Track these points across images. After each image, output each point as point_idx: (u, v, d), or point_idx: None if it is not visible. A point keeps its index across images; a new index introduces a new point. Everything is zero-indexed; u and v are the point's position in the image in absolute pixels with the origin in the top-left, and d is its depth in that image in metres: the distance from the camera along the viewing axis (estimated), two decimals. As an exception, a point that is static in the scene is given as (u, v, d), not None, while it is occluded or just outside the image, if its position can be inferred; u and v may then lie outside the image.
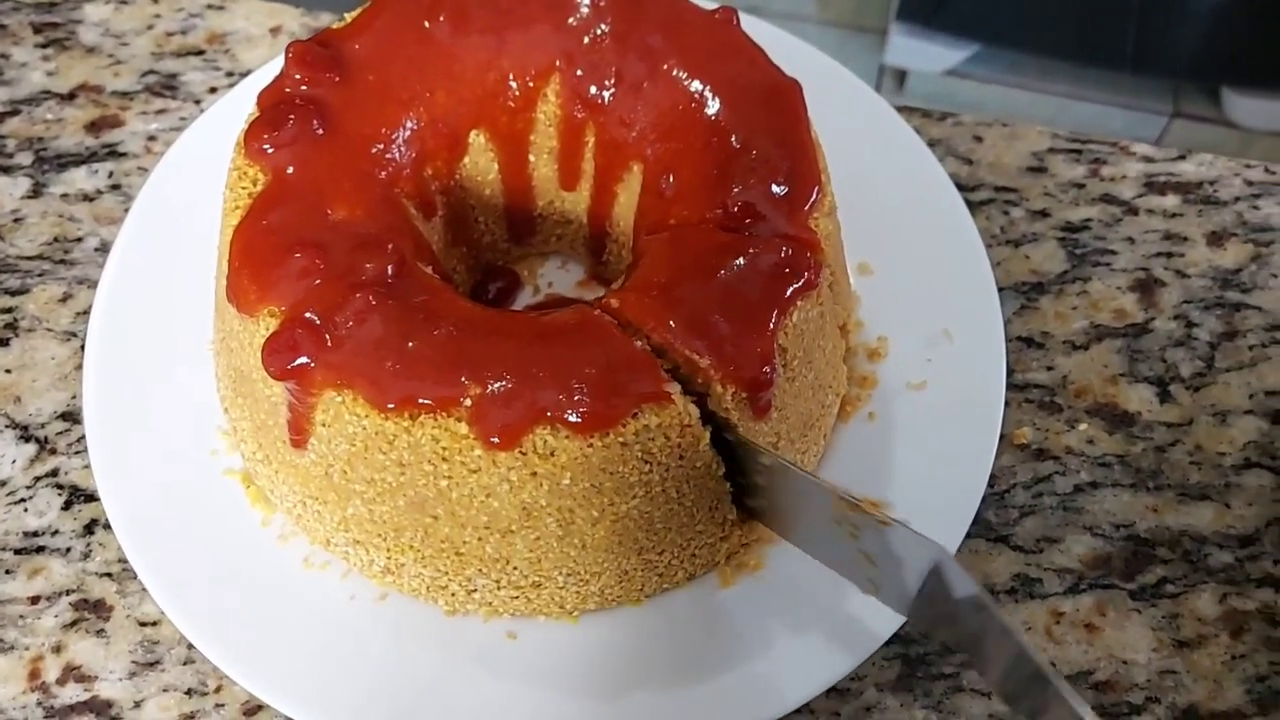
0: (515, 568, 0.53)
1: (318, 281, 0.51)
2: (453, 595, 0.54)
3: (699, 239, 0.54)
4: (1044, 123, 0.76)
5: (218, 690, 0.56)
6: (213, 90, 0.77)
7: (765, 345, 0.51)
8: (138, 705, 0.56)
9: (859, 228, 0.63)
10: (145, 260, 0.63)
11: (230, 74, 0.78)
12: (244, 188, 0.54)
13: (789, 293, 0.52)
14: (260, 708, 0.56)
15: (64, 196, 0.73)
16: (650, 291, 0.52)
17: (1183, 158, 0.75)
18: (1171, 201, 0.74)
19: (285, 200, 0.53)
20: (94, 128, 0.76)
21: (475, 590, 0.54)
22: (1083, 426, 0.65)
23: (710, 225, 0.55)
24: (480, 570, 0.53)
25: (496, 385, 0.48)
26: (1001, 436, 0.59)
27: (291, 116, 0.55)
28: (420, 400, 0.48)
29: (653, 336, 0.51)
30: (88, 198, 0.73)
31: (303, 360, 0.49)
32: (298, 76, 0.57)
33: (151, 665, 0.57)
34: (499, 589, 0.54)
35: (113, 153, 0.75)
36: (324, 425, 0.50)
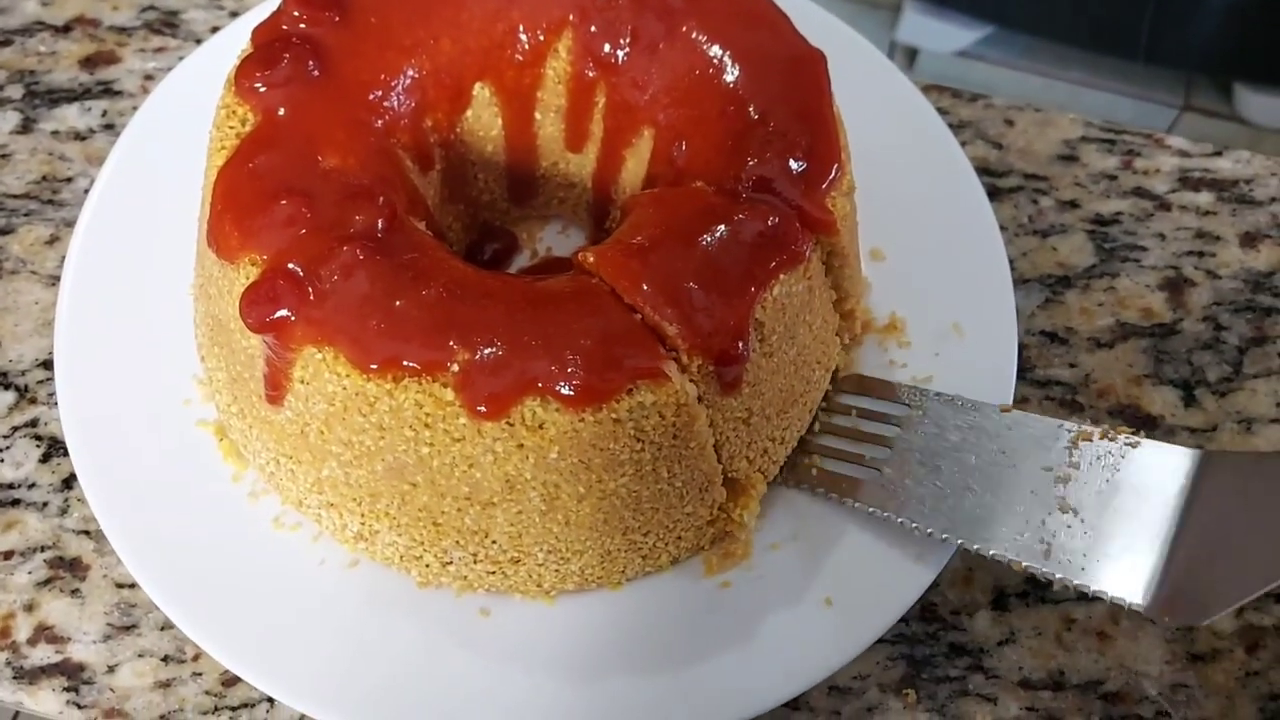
0: (494, 541, 0.50)
1: (303, 231, 0.48)
2: (426, 567, 0.52)
3: (687, 200, 0.51)
4: (1053, 109, 0.73)
5: (195, 659, 0.54)
6: (215, 30, 0.74)
7: (740, 319, 0.48)
8: (111, 670, 0.54)
9: (874, 211, 0.60)
10: (128, 198, 0.61)
11: (234, 14, 0.75)
12: (232, 127, 0.52)
13: (772, 265, 0.49)
14: (240, 680, 0.53)
15: (54, 134, 0.70)
16: (628, 251, 0.49)
17: (1219, 154, 0.72)
18: (1205, 199, 0.70)
19: (274, 143, 0.51)
20: (89, 63, 0.73)
21: (450, 563, 0.51)
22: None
23: (706, 188, 0.52)
24: (457, 542, 0.50)
25: (486, 351, 0.46)
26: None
27: (286, 55, 0.52)
28: (405, 363, 0.46)
29: (625, 298, 0.48)
30: (79, 136, 0.70)
31: (283, 313, 0.46)
32: (296, 14, 0.54)
33: (128, 629, 0.55)
34: (475, 563, 0.51)
35: (107, 90, 0.72)
36: (302, 383, 0.48)
